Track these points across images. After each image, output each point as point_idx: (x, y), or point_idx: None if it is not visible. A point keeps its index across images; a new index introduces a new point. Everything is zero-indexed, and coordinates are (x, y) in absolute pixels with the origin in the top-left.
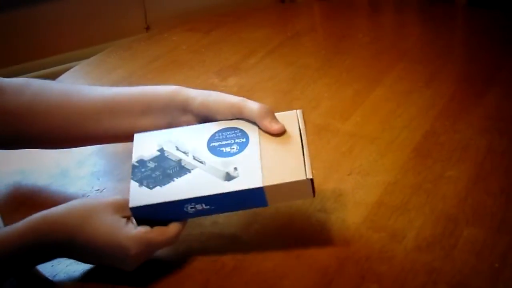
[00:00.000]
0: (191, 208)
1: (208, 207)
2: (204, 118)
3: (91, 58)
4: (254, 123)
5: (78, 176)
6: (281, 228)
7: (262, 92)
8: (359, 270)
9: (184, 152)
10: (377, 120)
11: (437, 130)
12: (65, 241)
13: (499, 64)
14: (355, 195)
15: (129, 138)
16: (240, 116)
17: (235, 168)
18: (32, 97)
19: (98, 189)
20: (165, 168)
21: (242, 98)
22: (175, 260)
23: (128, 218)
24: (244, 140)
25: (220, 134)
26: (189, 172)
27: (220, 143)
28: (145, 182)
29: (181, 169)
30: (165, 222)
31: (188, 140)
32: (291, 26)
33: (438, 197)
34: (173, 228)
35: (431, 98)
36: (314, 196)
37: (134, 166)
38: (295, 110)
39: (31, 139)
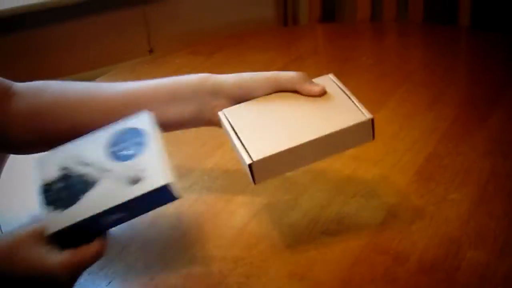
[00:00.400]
0: (108, 219)
1: (123, 214)
2: (239, 98)
3: (95, 81)
4: (147, 119)
5: None
6: (284, 250)
7: None
8: None
9: (87, 165)
10: (380, 143)
11: (440, 153)
12: None
13: (502, 87)
14: (358, 217)
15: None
16: (278, 87)
17: (140, 170)
18: (53, 97)
19: None
20: (71, 186)
21: (274, 71)
22: (178, 284)
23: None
24: (142, 138)
25: (117, 138)
26: (96, 184)
27: (119, 147)
28: (55, 206)
29: (87, 184)
30: (88, 238)
31: (89, 151)
32: (294, 49)
33: (441, 220)
34: (96, 244)
35: (434, 121)
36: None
37: (40, 192)
38: (327, 75)
39: (56, 139)
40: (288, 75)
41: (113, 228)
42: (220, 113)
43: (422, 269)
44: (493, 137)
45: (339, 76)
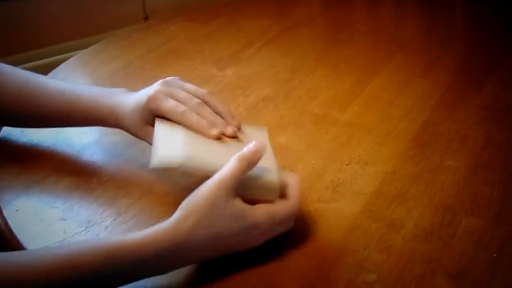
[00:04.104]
0: None
1: None
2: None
3: (89, 48)
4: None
5: (77, 166)
6: None
7: (260, 82)
8: (358, 260)
9: None
10: (375, 110)
11: (435, 120)
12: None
13: (497, 55)
14: (353, 185)
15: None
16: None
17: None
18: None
19: (97, 179)
20: None
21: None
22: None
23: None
24: None
25: None
26: None
27: None
28: None
29: None
30: None
31: None
32: (289, 17)
33: (436, 187)
34: (293, 197)
35: (429, 89)
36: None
37: None
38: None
39: None
40: None
41: None
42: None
43: (417, 236)
44: (488, 104)
45: (333, 43)
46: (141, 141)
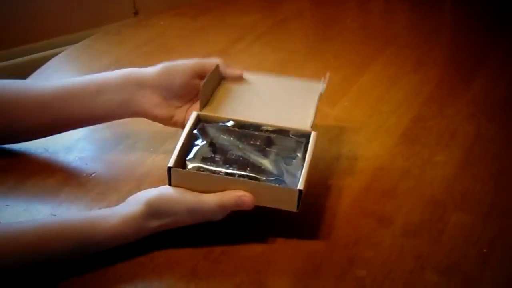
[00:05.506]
0: None
1: None
2: (163, 86)
3: (79, 44)
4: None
5: (67, 162)
6: (269, 213)
7: None
8: (347, 255)
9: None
10: (365, 106)
11: (425, 116)
12: None
13: (487, 50)
14: (343, 180)
15: (90, 120)
16: (203, 71)
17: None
18: None
19: (87, 174)
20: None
21: (197, 58)
22: (163, 247)
23: None
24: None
25: None
26: None
27: None
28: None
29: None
30: None
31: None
32: (279, 11)
33: (426, 182)
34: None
35: (419, 84)
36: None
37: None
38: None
39: None
40: (212, 61)
41: None
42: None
43: (406, 232)
44: (477, 100)
45: (323, 39)
46: (130, 136)
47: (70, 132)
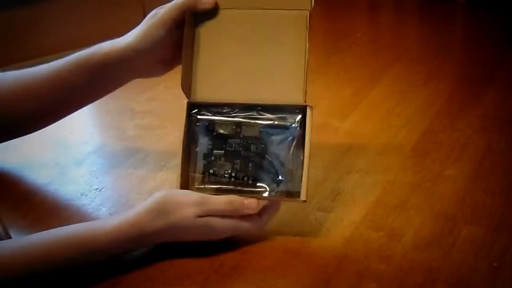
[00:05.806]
0: None
1: None
2: (146, 44)
3: None
4: None
5: (77, 175)
6: (279, 227)
7: None
8: (358, 269)
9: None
10: (375, 119)
11: (435, 129)
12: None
13: (498, 64)
14: (354, 194)
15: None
16: (189, 7)
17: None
18: None
19: (97, 188)
20: None
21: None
22: (174, 260)
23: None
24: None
25: None
26: None
27: None
28: None
29: None
30: None
31: None
32: None
33: (436, 196)
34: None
35: (429, 97)
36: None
37: None
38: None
39: None
40: None
41: None
42: None
43: (417, 246)
44: (488, 113)
45: (333, 52)
46: (141, 150)
47: (80, 146)
